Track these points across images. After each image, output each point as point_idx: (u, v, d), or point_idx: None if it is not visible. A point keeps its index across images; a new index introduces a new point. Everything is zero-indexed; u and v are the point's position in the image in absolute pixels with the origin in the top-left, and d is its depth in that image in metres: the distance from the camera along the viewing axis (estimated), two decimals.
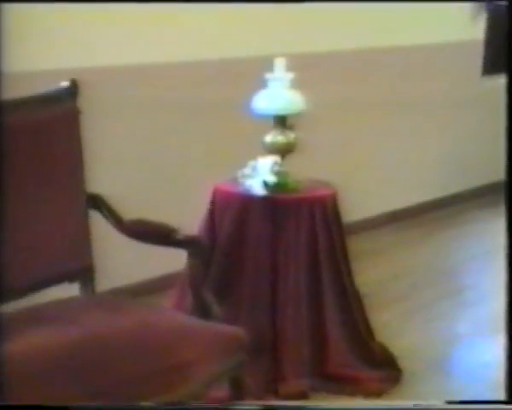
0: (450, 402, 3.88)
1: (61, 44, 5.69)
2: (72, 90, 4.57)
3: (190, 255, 4.63)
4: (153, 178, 5.62)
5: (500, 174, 8.82)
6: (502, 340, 5.63)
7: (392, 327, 5.69)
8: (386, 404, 4.30)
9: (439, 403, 4.09)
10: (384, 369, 5.38)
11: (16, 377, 3.71)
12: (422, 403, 4.02)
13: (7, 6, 5.29)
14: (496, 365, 5.44)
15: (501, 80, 8.89)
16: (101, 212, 4.63)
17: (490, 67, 8.87)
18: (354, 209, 5.92)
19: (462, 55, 8.56)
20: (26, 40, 5.50)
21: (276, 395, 5.09)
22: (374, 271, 6.16)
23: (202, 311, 4.54)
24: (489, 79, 8.94)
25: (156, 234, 4.61)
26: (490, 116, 8.76)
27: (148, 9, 6.04)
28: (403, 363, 5.42)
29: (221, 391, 4.47)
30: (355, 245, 5.65)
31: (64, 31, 5.72)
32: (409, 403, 4.08)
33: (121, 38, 6.00)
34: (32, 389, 3.72)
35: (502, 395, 4.96)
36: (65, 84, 4.55)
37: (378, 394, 5.18)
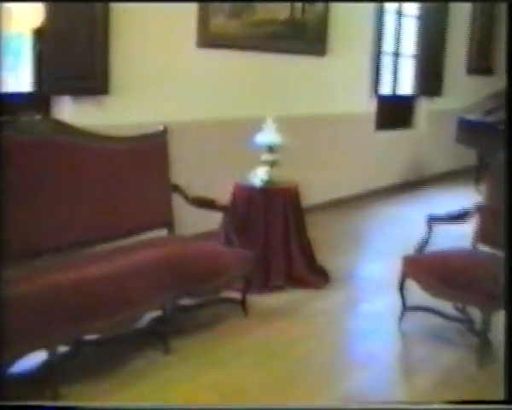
0: (450, 402, 3.25)
1: (150, 104, 5.68)
2: (164, 131, 4.70)
3: (223, 215, 4.85)
4: (205, 180, 5.58)
5: (387, 181, 9.12)
6: (382, 263, 5.88)
7: (325, 257, 5.63)
8: (386, 404, 3.45)
9: (440, 404, 3.33)
10: (321, 276, 5.40)
11: (132, 277, 3.93)
12: (422, 404, 3.43)
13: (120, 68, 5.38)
14: (379, 274, 5.69)
15: (385, 134, 9.13)
16: (178, 192, 4.77)
17: (380, 126, 8.96)
18: (309, 198, 5.97)
19: (364, 118, 8.69)
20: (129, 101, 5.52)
21: (267, 287, 5.09)
22: (317, 230, 5.97)
23: (229, 243, 4.77)
24: (379, 133, 8.98)
25: (207, 203, 4.79)
26: (381, 150, 8.96)
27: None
28: (331, 274, 5.45)
29: (239, 285, 4.69)
30: (309, 218, 5.65)
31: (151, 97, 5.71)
32: (410, 404, 3.49)
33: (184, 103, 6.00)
34: (146, 280, 3.95)
35: (383, 291, 5.19)
36: (161, 127, 4.69)
37: (318, 287, 5.23)
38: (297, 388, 3.78)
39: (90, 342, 3.90)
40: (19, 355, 3.33)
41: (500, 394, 3.68)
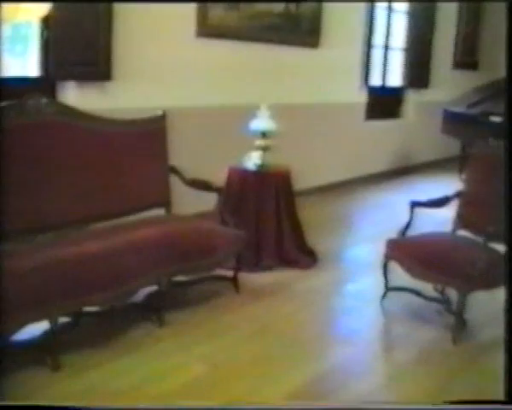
0: (449, 402, 3.05)
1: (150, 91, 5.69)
2: (163, 116, 4.71)
3: (219, 196, 4.85)
4: (202, 163, 5.45)
5: (376, 169, 9.15)
6: (367, 246, 5.90)
7: (313, 239, 5.61)
8: (386, 404, 3.31)
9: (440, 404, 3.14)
10: (310, 257, 5.40)
11: (130, 253, 3.98)
12: (423, 404, 3.28)
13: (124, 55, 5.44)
14: (364, 256, 5.73)
15: (374, 123, 9.13)
16: (176, 174, 4.79)
17: (369, 116, 8.99)
18: (299, 183, 5.83)
19: (355, 108, 8.71)
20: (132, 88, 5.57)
21: (258, 266, 5.10)
22: (307, 213, 5.88)
23: (224, 223, 4.77)
24: (369, 122, 9.00)
25: (202, 185, 4.80)
26: (370, 138, 8.95)
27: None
28: (320, 255, 5.46)
29: (231, 264, 4.71)
30: (299, 202, 5.64)
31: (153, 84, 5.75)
32: (410, 404, 3.28)
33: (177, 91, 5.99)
34: (143, 256, 3.99)
35: (368, 272, 5.24)
36: (160, 112, 4.71)
37: (306, 267, 5.24)
38: (284, 360, 3.80)
39: (89, 314, 3.91)
40: (21, 325, 3.37)
41: (472, 369, 3.79)
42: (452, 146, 9.84)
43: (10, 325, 3.28)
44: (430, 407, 3.06)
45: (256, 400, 3.37)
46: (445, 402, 3.14)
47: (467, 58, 11.18)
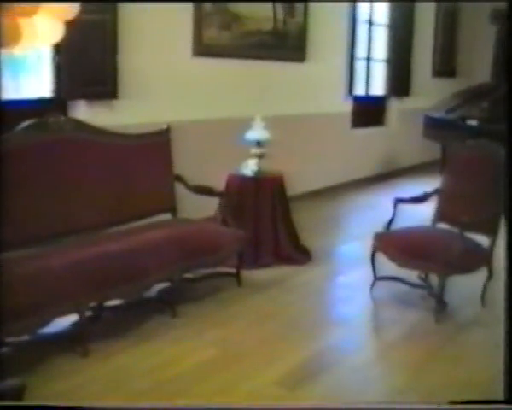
0: (451, 402, 2.95)
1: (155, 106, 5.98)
2: (168, 129, 5.04)
3: (220, 200, 5.17)
4: (203, 171, 5.57)
5: (363, 173, 9.47)
6: (357, 243, 6.19)
7: (307, 238, 5.87)
8: (386, 404, 3.29)
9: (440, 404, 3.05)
10: (304, 254, 5.65)
11: (144, 253, 4.31)
12: (423, 404, 3.29)
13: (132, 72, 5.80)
14: (354, 252, 6.01)
15: (360, 131, 9.47)
16: (180, 182, 5.10)
17: (355, 124, 9.27)
18: (292, 188, 6.05)
19: (341, 117, 9.01)
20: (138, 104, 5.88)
21: (257, 264, 5.34)
22: (300, 215, 6.13)
23: (225, 224, 5.08)
24: (355, 130, 9.29)
25: (205, 191, 5.10)
26: (356, 145, 9.28)
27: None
28: (313, 252, 5.73)
29: (234, 261, 4.99)
30: (293, 206, 5.88)
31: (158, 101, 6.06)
32: (410, 404, 3.29)
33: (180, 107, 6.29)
34: (156, 255, 4.32)
35: (357, 266, 5.54)
36: (164, 126, 5.03)
37: (301, 264, 5.51)
38: (285, 343, 4.16)
39: (110, 308, 4.29)
40: (54, 317, 3.74)
41: (452, 344, 4.17)
42: (434, 150, 10.19)
43: (45, 316, 3.65)
44: (430, 406, 3.06)
45: (263, 376, 3.72)
46: (447, 402, 3.12)
47: (445, 66, 11.59)
